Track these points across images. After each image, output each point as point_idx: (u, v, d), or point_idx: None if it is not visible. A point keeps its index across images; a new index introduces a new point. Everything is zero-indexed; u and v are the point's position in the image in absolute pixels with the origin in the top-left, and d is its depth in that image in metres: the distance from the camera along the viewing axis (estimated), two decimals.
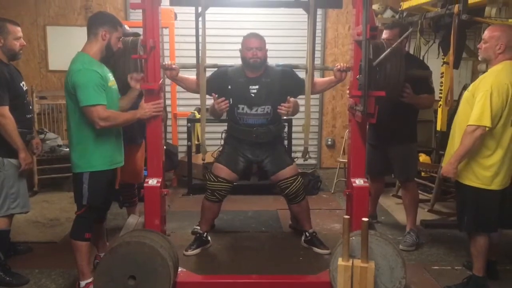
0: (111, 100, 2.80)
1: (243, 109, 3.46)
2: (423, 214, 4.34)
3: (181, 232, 4.00)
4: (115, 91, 2.87)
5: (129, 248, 2.56)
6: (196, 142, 5.86)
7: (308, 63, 3.06)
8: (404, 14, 4.92)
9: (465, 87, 4.97)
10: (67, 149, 5.09)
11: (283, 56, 5.98)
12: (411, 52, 4.82)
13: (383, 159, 3.80)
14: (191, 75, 3.37)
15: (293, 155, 4.56)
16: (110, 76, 2.83)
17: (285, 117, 3.76)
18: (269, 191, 4.97)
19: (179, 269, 2.92)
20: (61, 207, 4.68)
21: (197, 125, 5.74)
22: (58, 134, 5.53)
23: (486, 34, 2.84)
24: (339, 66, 3.20)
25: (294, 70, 3.53)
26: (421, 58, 4.57)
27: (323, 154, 6.69)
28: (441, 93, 4.52)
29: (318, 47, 6.10)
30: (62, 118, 5.63)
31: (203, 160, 3.35)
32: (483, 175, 2.78)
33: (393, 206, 4.77)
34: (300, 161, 3.72)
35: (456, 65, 4.00)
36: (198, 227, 3.76)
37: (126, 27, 3.77)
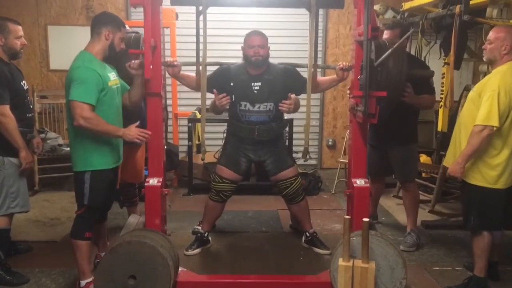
0: (111, 99, 2.80)
1: (245, 106, 3.46)
2: (423, 214, 4.34)
3: (182, 232, 4.00)
4: (116, 90, 2.86)
5: (129, 248, 2.56)
6: (197, 142, 5.87)
7: (310, 63, 3.06)
8: (406, 14, 4.92)
9: (466, 88, 4.97)
10: (68, 149, 5.08)
11: (285, 56, 5.98)
12: (413, 52, 4.83)
13: (384, 160, 3.80)
14: (192, 73, 3.37)
15: (293, 155, 4.56)
16: (111, 76, 2.83)
17: (286, 117, 3.76)
18: (269, 191, 4.97)
19: (180, 269, 2.92)
20: (61, 206, 4.69)
21: (198, 125, 5.75)
22: (59, 133, 5.53)
23: (491, 35, 2.85)
24: (341, 65, 3.19)
25: (297, 67, 3.53)
26: (422, 58, 4.58)
27: (324, 155, 6.69)
28: (442, 94, 4.52)
29: (319, 47, 6.08)
30: (63, 118, 5.63)
31: (203, 160, 3.34)
32: (489, 175, 2.80)
33: (393, 206, 4.77)
34: (300, 161, 3.72)
35: (457, 66, 4.01)
36: (199, 227, 3.76)
37: (127, 26, 3.77)
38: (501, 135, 2.75)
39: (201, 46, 3.03)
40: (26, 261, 3.38)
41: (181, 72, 3.28)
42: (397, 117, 3.55)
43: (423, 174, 4.97)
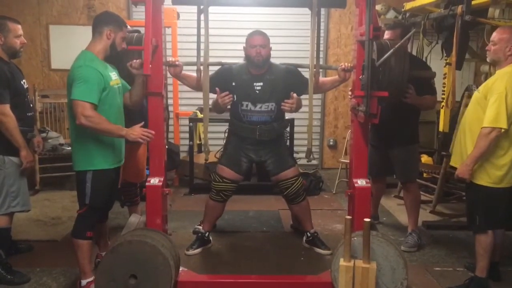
0: (113, 99, 2.80)
1: (247, 106, 3.46)
2: (425, 215, 4.34)
3: (183, 232, 4.00)
4: (117, 90, 2.86)
5: (130, 247, 2.56)
6: (198, 142, 5.87)
7: (311, 63, 3.06)
8: (407, 14, 4.91)
9: (467, 88, 4.97)
10: (69, 148, 5.08)
11: (286, 56, 5.98)
12: (414, 53, 4.82)
13: (384, 160, 3.79)
14: (194, 73, 3.37)
15: (295, 155, 4.56)
16: (113, 75, 2.83)
17: (287, 117, 3.76)
18: (270, 191, 4.96)
19: (181, 269, 2.92)
20: (62, 205, 4.69)
21: (199, 124, 5.75)
22: (60, 133, 5.54)
23: (495, 36, 2.85)
24: (343, 66, 3.19)
25: (299, 67, 3.52)
26: (424, 59, 4.57)
27: (325, 155, 6.69)
28: (443, 94, 4.51)
29: (320, 47, 6.12)
30: (64, 117, 5.63)
31: (206, 160, 3.34)
32: (495, 175, 2.81)
33: (394, 207, 4.76)
34: (303, 161, 3.72)
35: (458, 66, 4.00)
36: (200, 227, 3.76)
37: (128, 26, 3.77)
38: (508, 136, 2.75)
39: (202, 46, 3.04)
40: (27, 260, 3.38)
41: (183, 72, 3.28)
42: (399, 118, 3.54)
43: (424, 175, 4.97)
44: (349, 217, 2.56)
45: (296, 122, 5.20)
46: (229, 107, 3.48)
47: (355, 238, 2.63)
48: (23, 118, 3.07)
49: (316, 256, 3.55)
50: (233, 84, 3.42)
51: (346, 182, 5.05)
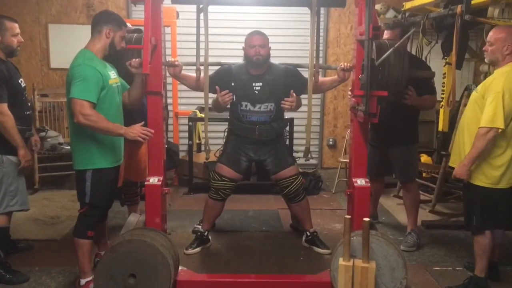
0: (112, 98, 2.79)
1: (246, 106, 3.46)
2: (424, 214, 4.33)
3: (182, 231, 4.00)
4: (116, 89, 2.86)
5: (129, 247, 2.56)
6: (197, 141, 5.87)
7: (311, 62, 3.06)
8: (407, 14, 4.92)
9: (467, 88, 4.98)
10: (68, 147, 5.09)
11: (286, 56, 5.98)
12: (414, 52, 4.83)
13: (383, 160, 3.79)
14: (193, 74, 3.37)
15: (294, 154, 4.56)
16: (112, 74, 2.83)
17: (286, 116, 3.76)
18: (269, 190, 4.97)
19: (180, 268, 2.91)
20: (62, 205, 4.68)
21: (199, 124, 5.75)
22: (59, 132, 5.53)
23: (491, 36, 2.84)
24: (342, 66, 3.19)
25: (298, 67, 3.52)
26: (423, 58, 4.57)
27: (324, 154, 6.68)
28: (443, 94, 4.52)
29: (320, 46, 6.13)
30: (63, 116, 5.62)
31: (207, 159, 3.34)
32: (493, 175, 2.79)
33: (394, 206, 4.76)
34: (301, 161, 3.72)
35: (458, 66, 4.00)
36: (199, 226, 3.76)
37: (128, 24, 3.77)
38: (506, 136, 2.74)
39: (202, 45, 3.03)
40: (26, 260, 3.38)
41: (182, 72, 3.28)
42: (398, 117, 3.54)
43: (424, 174, 4.97)
44: (348, 216, 2.56)
45: (295, 122, 5.20)
46: (228, 106, 3.48)
47: (354, 238, 2.63)
48: (21, 117, 3.06)
49: (316, 256, 3.54)
50: (232, 84, 3.42)
51: (345, 182, 5.05)
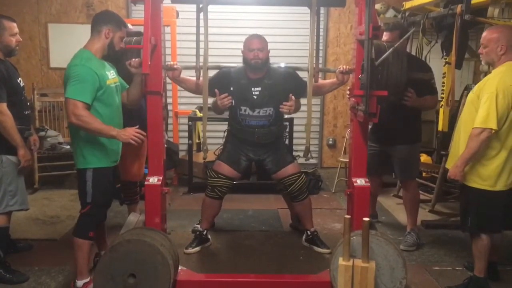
0: (110, 97, 2.80)
1: (245, 110, 3.48)
2: (424, 214, 4.33)
3: (182, 231, 4.00)
4: (115, 89, 2.86)
5: (129, 246, 2.56)
6: (197, 141, 5.86)
7: (310, 62, 3.06)
8: (407, 14, 4.91)
9: (467, 88, 4.97)
10: (68, 147, 5.10)
11: (286, 55, 5.99)
12: (413, 52, 4.82)
13: (382, 158, 3.79)
14: (192, 76, 3.37)
15: (294, 154, 4.56)
16: (110, 74, 2.82)
17: (286, 116, 3.76)
18: (269, 190, 4.96)
19: (179, 268, 2.91)
20: (61, 204, 4.68)
21: (198, 123, 5.74)
22: (59, 131, 5.53)
23: (484, 37, 2.82)
24: (341, 68, 3.20)
25: (297, 71, 3.53)
26: (423, 58, 4.57)
27: (324, 154, 6.68)
28: (443, 94, 4.52)
29: (319, 46, 6.14)
30: (63, 116, 5.63)
31: (205, 159, 3.34)
32: (488, 176, 2.77)
33: (393, 206, 4.77)
34: (301, 160, 3.72)
35: (458, 66, 4.00)
36: (198, 226, 3.76)
37: (129, 25, 3.76)
38: (499, 138, 2.72)
39: (202, 45, 3.03)
40: (26, 259, 3.38)
41: (181, 76, 3.28)
42: (402, 117, 3.54)
43: (424, 174, 4.97)
44: (348, 216, 2.56)
45: (295, 121, 5.20)
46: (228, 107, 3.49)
47: (354, 238, 2.62)
48: (20, 116, 3.06)
49: (315, 255, 3.55)
50: (231, 89, 3.44)
51: (345, 181, 5.04)
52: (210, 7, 3.03)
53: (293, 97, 3.34)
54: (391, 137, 3.67)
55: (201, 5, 3.03)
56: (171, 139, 5.56)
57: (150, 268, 2.53)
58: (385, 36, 3.56)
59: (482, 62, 2.96)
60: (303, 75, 3.51)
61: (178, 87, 5.39)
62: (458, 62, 3.98)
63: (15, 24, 3.10)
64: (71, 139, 2.84)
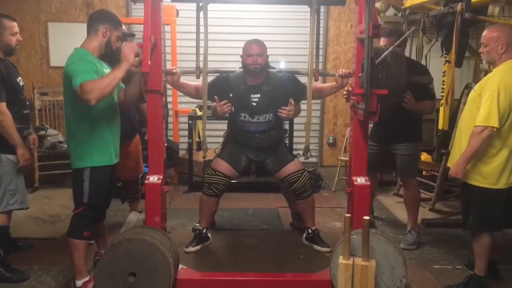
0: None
1: (244, 117, 3.51)
2: (424, 213, 4.34)
3: (182, 230, 4.00)
4: None
5: (129, 245, 2.56)
6: (197, 139, 5.86)
7: (310, 60, 3.05)
8: (407, 12, 4.90)
9: (467, 86, 4.96)
10: None
11: (286, 54, 6.00)
12: (414, 50, 4.81)
13: (381, 157, 3.79)
14: (192, 81, 3.39)
15: (294, 153, 4.56)
16: (107, 72, 2.81)
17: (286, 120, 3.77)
18: (270, 189, 4.96)
19: (180, 266, 2.91)
20: (61, 203, 4.68)
21: (198, 122, 5.74)
22: (59, 130, 5.52)
23: (484, 36, 2.83)
24: (341, 72, 3.21)
25: (296, 74, 3.55)
26: (423, 56, 4.56)
27: (324, 152, 6.68)
28: (443, 92, 4.51)
29: (320, 45, 6.15)
30: (63, 115, 5.58)
31: (204, 157, 3.34)
32: (489, 175, 2.78)
33: (394, 204, 4.77)
34: (301, 159, 3.72)
35: (458, 64, 3.99)
36: (198, 224, 3.76)
37: (123, 27, 3.76)
38: (501, 136, 2.73)
39: (202, 44, 3.03)
40: (26, 258, 3.38)
41: (180, 80, 3.28)
42: (403, 119, 3.55)
43: (424, 172, 4.97)
44: (348, 215, 2.56)
45: (295, 120, 5.17)
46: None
47: (354, 236, 2.63)
48: (19, 116, 3.06)
49: (316, 254, 3.55)
50: (231, 95, 3.45)
51: (345, 180, 5.05)
52: (210, 6, 3.03)
53: (292, 101, 3.36)
54: (393, 136, 3.67)
55: (201, 4, 3.02)
56: (171, 138, 5.56)
57: (150, 267, 2.53)
58: (382, 42, 3.59)
59: (483, 61, 2.96)
60: (302, 79, 3.52)
61: None
62: (458, 61, 3.97)
63: (15, 24, 3.10)
64: (68, 139, 2.81)
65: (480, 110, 2.71)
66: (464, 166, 2.78)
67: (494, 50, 2.78)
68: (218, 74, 3.57)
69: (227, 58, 5.49)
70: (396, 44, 2.98)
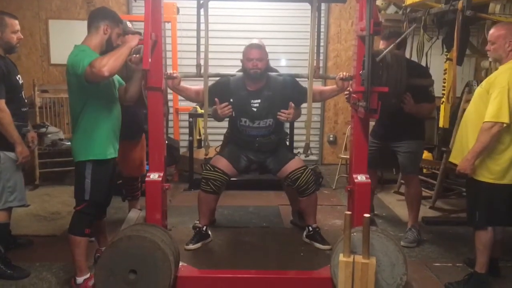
0: (109, 89, 2.80)
1: (245, 122, 3.53)
2: (424, 211, 4.34)
3: (182, 227, 4.00)
4: (112, 81, 2.86)
5: (130, 243, 2.56)
6: (198, 137, 5.87)
7: (311, 58, 3.05)
8: (408, 10, 4.89)
9: (468, 84, 4.96)
10: (69, 143, 5.09)
11: (286, 52, 5.99)
12: (414, 48, 4.80)
13: (382, 154, 3.79)
14: (192, 85, 3.39)
15: (294, 151, 4.56)
16: None
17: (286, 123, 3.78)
18: (270, 186, 4.96)
19: (180, 264, 2.92)
20: (62, 200, 4.69)
21: (199, 120, 5.74)
22: (60, 127, 5.53)
23: (492, 34, 2.85)
24: (341, 75, 3.21)
25: (297, 77, 3.56)
26: (424, 54, 4.56)
27: (325, 150, 6.68)
28: (443, 90, 4.50)
29: (320, 42, 6.14)
30: (63, 112, 5.63)
31: (206, 155, 3.35)
32: (496, 170, 2.79)
33: (394, 202, 4.77)
34: (302, 157, 3.72)
35: (459, 62, 3.98)
36: (199, 222, 3.76)
37: (129, 23, 3.76)
38: (509, 131, 2.74)
39: (202, 41, 3.03)
40: (27, 255, 3.38)
41: (181, 84, 3.29)
42: (409, 114, 3.55)
43: (424, 170, 4.96)
44: (348, 212, 2.56)
45: None
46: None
47: (354, 234, 2.63)
48: (17, 113, 3.06)
49: (316, 252, 3.55)
50: (231, 100, 3.45)
51: (345, 178, 5.06)
52: (211, 3, 3.03)
53: (292, 104, 3.37)
54: (395, 134, 3.68)
55: (201, 1, 3.02)
56: (172, 136, 5.56)
57: (151, 264, 2.53)
58: (382, 45, 3.60)
59: (490, 59, 2.97)
60: (302, 81, 3.53)
61: None
62: (459, 59, 3.97)
63: (17, 22, 3.10)
64: (74, 131, 2.80)
65: (489, 106, 2.72)
66: (473, 161, 2.78)
67: (502, 48, 2.80)
68: (218, 78, 3.57)
69: (228, 56, 5.49)
70: (396, 42, 2.97)
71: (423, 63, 4.45)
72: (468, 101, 3.07)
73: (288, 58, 6.13)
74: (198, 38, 3.09)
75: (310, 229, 3.67)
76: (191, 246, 3.53)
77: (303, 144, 3.30)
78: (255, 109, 3.49)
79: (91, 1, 6.05)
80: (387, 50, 2.74)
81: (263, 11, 6.07)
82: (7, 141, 2.98)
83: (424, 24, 4.55)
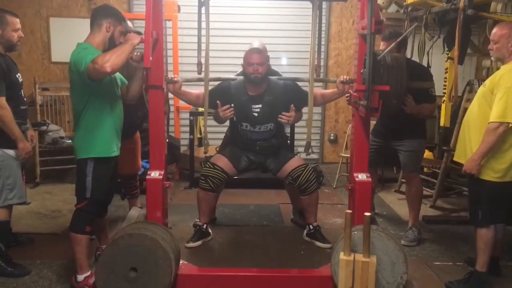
0: (111, 87, 2.80)
1: (246, 126, 3.54)
2: (425, 209, 4.34)
3: (183, 225, 4.00)
4: (114, 79, 2.85)
5: (130, 240, 2.56)
6: (199, 135, 5.87)
7: (312, 57, 3.05)
8: (409, 8, 4.89)
9: (469, 83, 4.96)
10: (69, 141, 5.11)
11: (287, 50, 5.98)
12: (415, 47, 4.80)
13: (382, 153, 3.79)
14: (192, 90, 3.40)
15: (295, 150, 4.56)
16: None
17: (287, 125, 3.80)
18: (271, 185, 4.96)
19: (181, 262, 2.92)
20: (63, 198, 4.69)
21: (200, 118, 5.74)
22: (61, 125, 5.53)
23: (495, 33, 2.84)
24: (342, 78, 3.22)
25: (297, 81, 3.57)
26: (425, 53, 4.55)
27: (326, 149, 6.69)
28: (445, 89, 4.50)
29: (321, 41, 6.14)
30: (64, 110, 5.63)
31: (205, 153, 3.35)
32: (500, 169, 2.80)
33: (395, 201, 4.77)
34: (302, 155, 3.73)
35: (460, 61, 3.98)
36: (199, 220, 3.76)
37: (130, 23, 3.76)
38: None
39: (203, 40, 3.03)
40: (28, 253, 3.39)
41: (182, 89, 3.30)
42: (405, 121, 3.55)
43: (425, 169, 4.96)
44: (349, 211, 2.56)
45: None
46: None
47: (355, 232, 2.63)
48: (16, 111, 3.05)
49: (316, 250, 3.55)
50: (232, 105, 3.46)
51: (346, 177, 5.06)
52: (212, 2, 3.03)
53: (293, 107, 3.38)
54: (397, 133, 3.69)
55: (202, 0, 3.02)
56: (172, 134, 5.57)
57: (152, 262, 2.53)
58: (382, 46, 3.60)
59: (492, 58, 2.97)
60: (303, 85, 3.53)
61: None
62: (461, 57, 3.96)
63: (18, 20, 3.10)
64: (76, 129, 2.79)
65: (494, 106, 2.71)
66: (479, 162, 2.78)
67: (505, 47, 2.80)
68: (219, 82, 3.57)
69: (229, 54, 5.49)
70: (397, 41, 2.97)
71: (424, 62, 4.46)
72: (469, 100, 3.07)
73: (289, 57, 6.12)
74: (199, 36, 3.09)
75: (311, 227, 3.68)
76: (191, 244, 3.53)
77: (304, 142, 3.30)
78: (256, 114, 3.50)
79: None
80: (386, 50, 2.74)
81: (264, 9, 6.06)
82: (7, 138, 2.98)
83: (425, 23, 4.55)
